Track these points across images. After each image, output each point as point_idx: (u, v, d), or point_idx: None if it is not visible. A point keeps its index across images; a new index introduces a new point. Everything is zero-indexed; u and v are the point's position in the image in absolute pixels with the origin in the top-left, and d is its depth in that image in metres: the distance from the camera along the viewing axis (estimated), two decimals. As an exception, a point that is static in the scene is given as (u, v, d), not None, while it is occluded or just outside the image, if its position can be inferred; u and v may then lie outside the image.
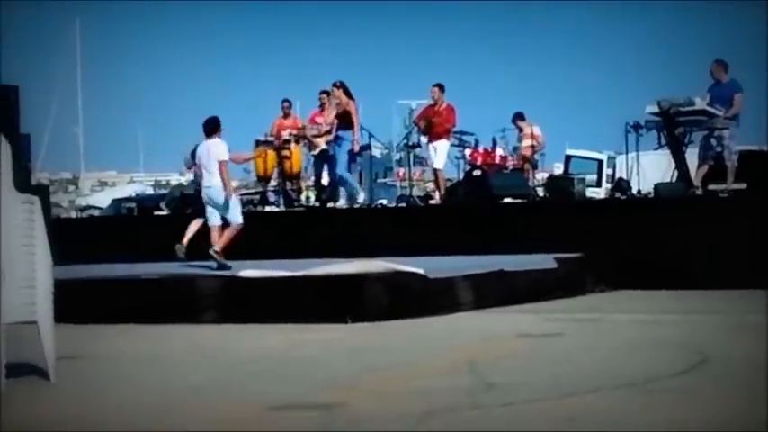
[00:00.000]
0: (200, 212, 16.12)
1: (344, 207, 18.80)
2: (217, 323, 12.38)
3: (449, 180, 20.99)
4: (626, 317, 12.33)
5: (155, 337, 11.41)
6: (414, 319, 11.98)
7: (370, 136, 20.46)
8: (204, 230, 15.90)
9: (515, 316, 12.47)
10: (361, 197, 19.16)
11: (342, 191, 19.34)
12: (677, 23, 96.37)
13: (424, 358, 9.29)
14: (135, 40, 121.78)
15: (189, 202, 18.34)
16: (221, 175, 14.82)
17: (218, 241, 14.68)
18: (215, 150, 14.95)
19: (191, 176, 20.88)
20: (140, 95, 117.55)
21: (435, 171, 20.16)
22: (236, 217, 14.92)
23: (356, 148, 19.17)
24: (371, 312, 12.14)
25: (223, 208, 14.92)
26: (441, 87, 19.71)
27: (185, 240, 16.29)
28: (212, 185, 14.94)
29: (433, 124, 19.64)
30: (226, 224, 14.91)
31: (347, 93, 18.94)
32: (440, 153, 19.61)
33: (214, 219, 14.99)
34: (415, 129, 20.47)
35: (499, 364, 8.71)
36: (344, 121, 18.94)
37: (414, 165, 24.85)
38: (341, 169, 19.01)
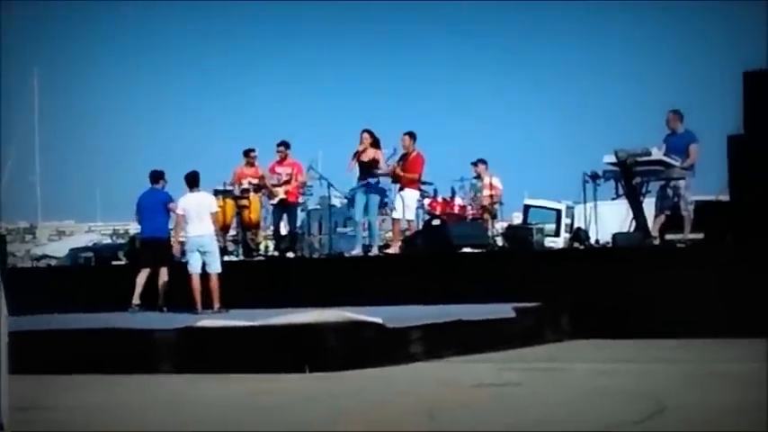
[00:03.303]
0: (143, 263, 16.84)
1: (359, 255, 18.75)
2: (175, 374, 12.29)
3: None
4: (584, 366, 12.36)
5: (112, 388, 11.31)
6: (372, 369, 11.96)
7: (329, 185, 20.47)
8: (152, 279, 16.67)
9: (474, 366, 12.46)
10: (375, 248, 19.09)
11: (358, 239, 19.48)
12: (633, 74, 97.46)
13: (381, 407, 9.26)
14: (92, 88, 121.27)
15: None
16: (215, 224, 16.56)
17: (217, 299, 15.93)
18: (207, 201, 16.61)
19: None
20: (98, 144, 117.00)
21: (394, 220, 19.98)
22: (218, 265, 16.25)
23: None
24: (330, 362, 12.09)
25: (212, 255, 16.23)
26: (411, 135, 19.27)
27: (136, 298, 16.65)
28: (205, 234, 16.29)
29: (401, 174, 19.28)
30: (204, 272, 16.10)
31: (374, 141, 19.00)
32: (407, 203, 19.27)
33: (197, 266, 16.14)
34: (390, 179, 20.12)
35: (457, 413, 8.70)
36: (370, 168, 18.93)
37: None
38: (371, 217, 19.20)
